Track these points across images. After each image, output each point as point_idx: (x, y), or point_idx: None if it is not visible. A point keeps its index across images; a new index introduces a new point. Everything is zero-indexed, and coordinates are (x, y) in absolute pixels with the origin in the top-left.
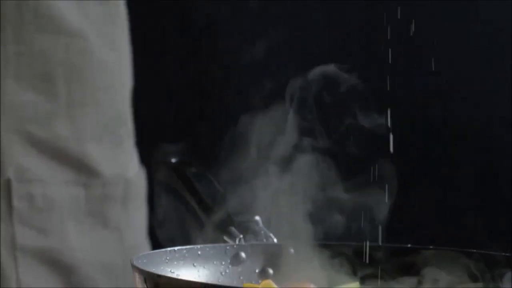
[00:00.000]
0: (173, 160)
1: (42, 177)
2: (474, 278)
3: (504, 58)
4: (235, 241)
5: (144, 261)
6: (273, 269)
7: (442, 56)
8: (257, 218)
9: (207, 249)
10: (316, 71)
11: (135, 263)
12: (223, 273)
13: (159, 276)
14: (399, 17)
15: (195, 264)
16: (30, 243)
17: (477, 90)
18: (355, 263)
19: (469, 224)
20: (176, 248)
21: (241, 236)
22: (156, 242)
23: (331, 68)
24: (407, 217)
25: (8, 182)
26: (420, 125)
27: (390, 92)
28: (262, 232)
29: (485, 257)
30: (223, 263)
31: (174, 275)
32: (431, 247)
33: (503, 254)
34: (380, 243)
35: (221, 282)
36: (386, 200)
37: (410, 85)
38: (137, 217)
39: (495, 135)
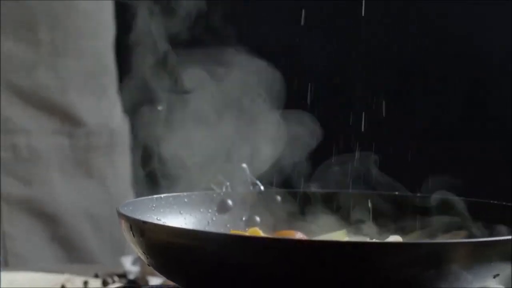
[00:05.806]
0: (159, 108)
1: (26, 127)
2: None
3: None
4: (222, 189)
5: (130, 208)
6: (260, 217)
7: None
8: (244, 165)
9: (194, 196)
10: None
11: (121, 210)
12: (209, 221)
13: (145, 223)
14: None
15: (181, 212)
16: (14, 193)
17: None
18: (343, 211)
19: None
20: (162, 195)
21: (228, 183)
22: (141, 191)
23: None
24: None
25: None
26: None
27: None
28: (249, 179)
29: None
30: (210, 210)
31: (160, 223)
32: (418, 194)
33: (491, 201)
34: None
35: (208, 230)
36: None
37: None
38: (122, 166)
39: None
